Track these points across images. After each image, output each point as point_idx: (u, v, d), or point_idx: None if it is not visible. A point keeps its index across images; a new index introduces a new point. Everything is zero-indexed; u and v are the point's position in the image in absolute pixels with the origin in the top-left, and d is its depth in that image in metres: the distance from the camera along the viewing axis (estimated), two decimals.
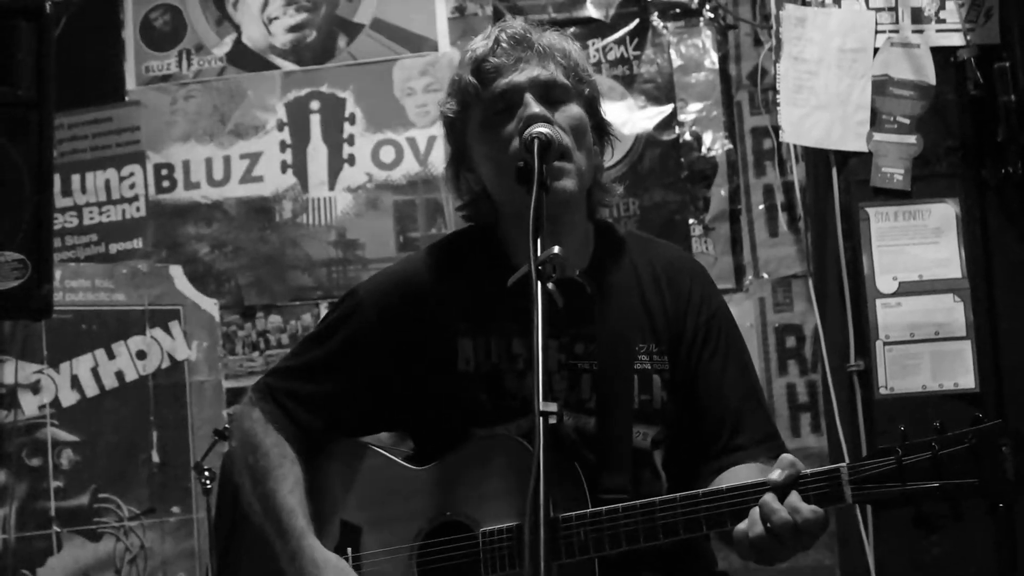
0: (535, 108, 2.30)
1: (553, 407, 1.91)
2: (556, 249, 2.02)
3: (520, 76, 2.34)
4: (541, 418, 1.90)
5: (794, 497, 2.05)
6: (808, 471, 2.08)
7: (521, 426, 2.37)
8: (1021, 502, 3.94)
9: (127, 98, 5.45)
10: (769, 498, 2.06)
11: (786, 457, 2.11)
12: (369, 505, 2.47)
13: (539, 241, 2.05)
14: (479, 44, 2.40)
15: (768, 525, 2.05)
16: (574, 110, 2.38)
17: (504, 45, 2.36)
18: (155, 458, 4.99)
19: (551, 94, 2.35)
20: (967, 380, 4.10)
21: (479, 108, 2.39)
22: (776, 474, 2.08)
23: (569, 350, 2.41)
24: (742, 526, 2.09)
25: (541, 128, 2.22)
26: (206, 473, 4.29)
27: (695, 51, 5.23)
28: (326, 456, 2.53)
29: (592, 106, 2.45)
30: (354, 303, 2.53)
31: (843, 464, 2.05)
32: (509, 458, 2.30)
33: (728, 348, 2.49)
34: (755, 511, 2.07)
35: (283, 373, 2.59)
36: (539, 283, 2.01)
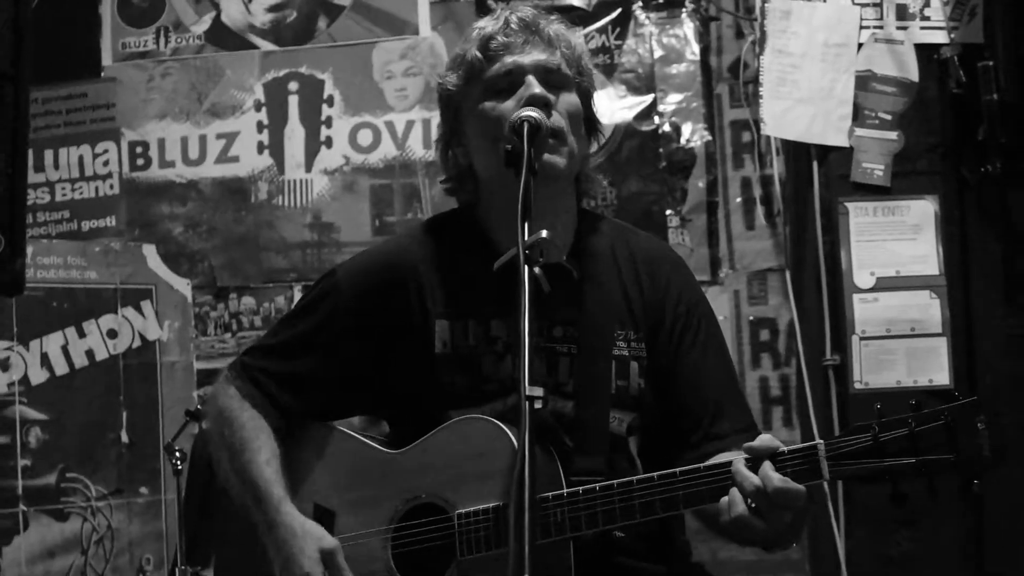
0: (537, 89, 2.33)
1: (539, 391, 1.90)
2: (544, 233, 2.02)
3: (526, 58, 2.38)
4: (527, 402, 1.89)
5: (766, 466, 2.04)
6: (786, 448, 2.07)
7: (496, 408, 2.37)
8: (990, 501, 3.97)
9: (103, 74, 5.40)
10: (742, 465, 2.07)
11: (765, 435, 2.12)
12: (343, 489, 2.46)
13: (526, 225, 2.04)
14: (488, 23, 2.43)
15: (748, 500, 2.04)
16: (572, 98, 2.41)
17: (513, 26, 2.40)
18: (124, 438, 4.95)
19: (552, 79, 2.38)
20: (941, 376, 4.13)
21: (480, 84, 2.40)
22: (756, 442, 2.09)
23: (547, 334, 2.42)
24: (725, 498, 2.09)
25: (530, 112, 2.23)
26: (177, 454, 4.26)
27: (676, 42, 5.21)
28: (299, 441, 2.52)
29: (587, 99, 2.48)
30: (332, 284, 2.54)
31: (820, 441, 2.05)
32: (485, 440, 2.30)
33: (708, 338, 2.50)
34: (735, 491, 2.07)
35: (259, 352, 2.59)
36: (526, 267, 2.00)
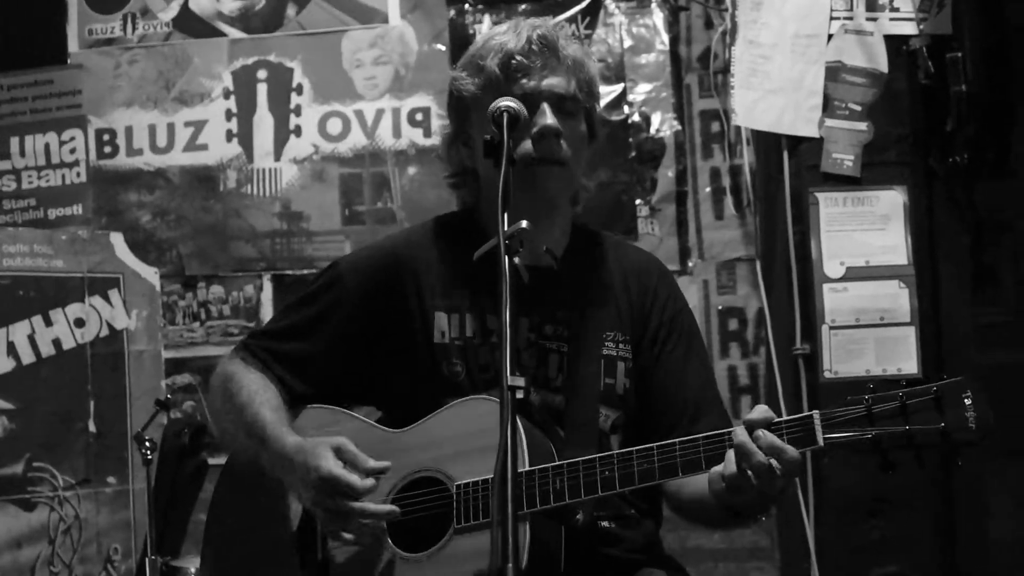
0: (550, 120, 2.45)
1: (520, 381, 1.95)
2: (524, 224, 2.09)
3: (544, 84, 2.48)
4: (509, 392, 1.94)
5: (769, 435, 2.13)
6: (782, 418, 2.16)
7: (493, 396, 2.39)
8: (960, 488, 4.00)
9: (69, 61, 5.34)
10: (743, 434, 2.15)
11: (761, 406, 2.20)
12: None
13: (506, 216, 2.10)
14: (509, 38, 2.50)
15: (744, 464, 2.13)
16: (581, 127, 2.53)
17: (535, 47, 2.47)
18: (92, 428, 4.92)
19: (565, 106, 2.49)
20: (910, 365, 4.17)
21: (494, 98, 2.41)
22: (753, 415, 2.17)
23: (539, 330, 2.53)
24: (718, 467, 2.18)
25: (509, 102, 2.30)
26: (147, 443, 4.24)
27: (646, 32, 5.23)
28: (300, 421, 2.56)
29: (591, 115, 2.58)
30: (335, 275, 2.63)
31: (816, 411, 2.14)
32: (486, 417, 2.32)
33: (690, 343, 2.63)
34: (730, 452, 2.16)
35: (261, 335, 2.70)
36: (506, 257, 2.06)
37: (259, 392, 2.53)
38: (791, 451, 2.11)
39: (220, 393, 2.61)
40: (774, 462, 2.11)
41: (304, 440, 2.41)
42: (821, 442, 2.11)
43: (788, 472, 2.13)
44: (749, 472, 2.12)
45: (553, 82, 2.47)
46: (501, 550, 1.79)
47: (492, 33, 2.56)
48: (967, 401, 2.06)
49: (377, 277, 2.57)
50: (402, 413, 2.50)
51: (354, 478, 2.33)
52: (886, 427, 2.08)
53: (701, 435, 2.23)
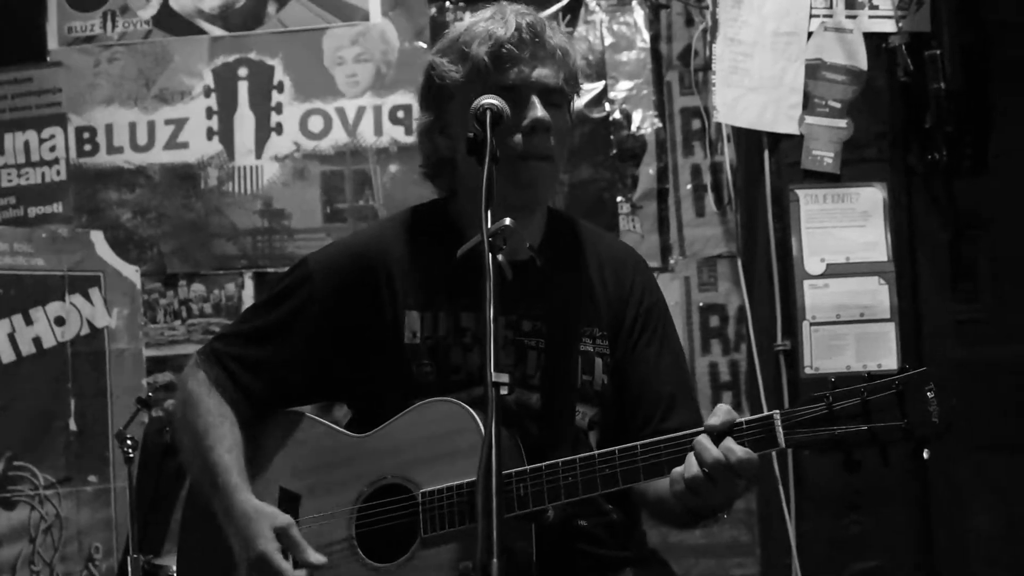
0: (542, 113, 2.39)
1: (505, 378, 1.93)
2: (507, 221, 2.06)
3: (533, 74, 2.42)
4: (493, 388, 1.92)
5: (729, 440, 2.12)
6: (743, 419, 2.15)
7: (461, 399, 2.39)
8: (938, 483, 4.02)
9: (49, 59, 5.32)
10: (704, 440, 2.14)
11: (722, 406, 2.19)
12: (308, 473, 2.48)
13: (490, 214, 2.07)
14: (497, 25, 2.42)
15: (704, 469, 2.12)
16: (566, 119, 2.48)
17: (525, 36, 2.41)
18: (72, 426, 4.90)
19: (552, 98, 2.43)
20: (890, 361, 4.18)
21: (481, 86, 2.39)
22: (713, 420, 2.16)
23: (517, 327, 2.48)
24: (678, 468, 2.17)
25: (492, 100, 2.26)
26: (128, 442, 4.23)
27: (627, 29, 5.23)
28: (265, 426, 2.55)
29: (571, 106, 2.53)
30: (304, 273, 2.56)
31: (776, 411, 2.13)
32: (449, 421, 2.34)
33: (664, 337, 2.60)
34: (691, 455, 2.15)
35: (229, 338, 2.62)
36: (490, 255, 2.03)
37: (215, 426, 2.49)
38: (750, 455, 2.11)
39: (180, 414, 2.59)
40: (733, 466, 2.11)
41: (251, 507, 2.41)
42: (782, 443, 2.11)
43: (747, 475, 2.13)
44: (709, 475, 2.12)
45: (542, 73, 2.41)
46: (484, 546, 1.78)
47: (475, 19, 2.48)
48: (929, 395, 2.03)
49: (348, 275, 2.51)
50: (372, 414, 2.47)
51: (287, 567, 2.35)
52: (847, 426, 2.05)
53: (663, 438, 2.22)
